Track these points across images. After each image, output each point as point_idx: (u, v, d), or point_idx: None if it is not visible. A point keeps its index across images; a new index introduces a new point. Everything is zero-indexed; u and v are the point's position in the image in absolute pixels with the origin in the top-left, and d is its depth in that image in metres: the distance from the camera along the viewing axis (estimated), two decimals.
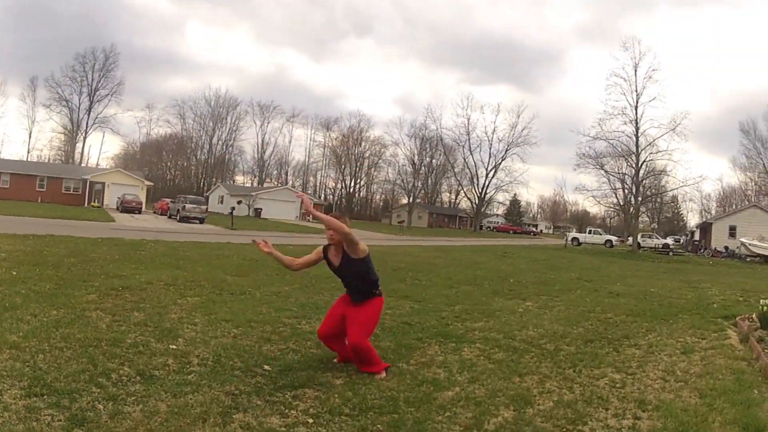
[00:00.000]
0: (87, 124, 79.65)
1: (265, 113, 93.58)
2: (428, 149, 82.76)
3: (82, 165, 73.65)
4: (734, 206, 68.79)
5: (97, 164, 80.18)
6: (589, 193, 45.40)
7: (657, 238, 53.23)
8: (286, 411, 3.83)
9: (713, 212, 77.50)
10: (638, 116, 40.37)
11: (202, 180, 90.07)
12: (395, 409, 3.97)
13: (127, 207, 43.46)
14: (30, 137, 79.28)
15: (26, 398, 3.60)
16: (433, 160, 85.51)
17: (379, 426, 3.68)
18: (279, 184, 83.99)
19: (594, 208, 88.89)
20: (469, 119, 77.82)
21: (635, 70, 40.68)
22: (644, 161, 41.33)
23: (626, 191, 44.99)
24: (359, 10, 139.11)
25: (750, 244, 37.19)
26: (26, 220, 24.20)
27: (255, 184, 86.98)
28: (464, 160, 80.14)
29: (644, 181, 43.20)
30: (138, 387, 3.99)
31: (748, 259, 36.43)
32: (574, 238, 53.47)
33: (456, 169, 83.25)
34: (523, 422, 3.89)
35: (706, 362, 5.85)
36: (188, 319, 6.36)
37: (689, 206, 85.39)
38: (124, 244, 14.98)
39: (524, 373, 5.10)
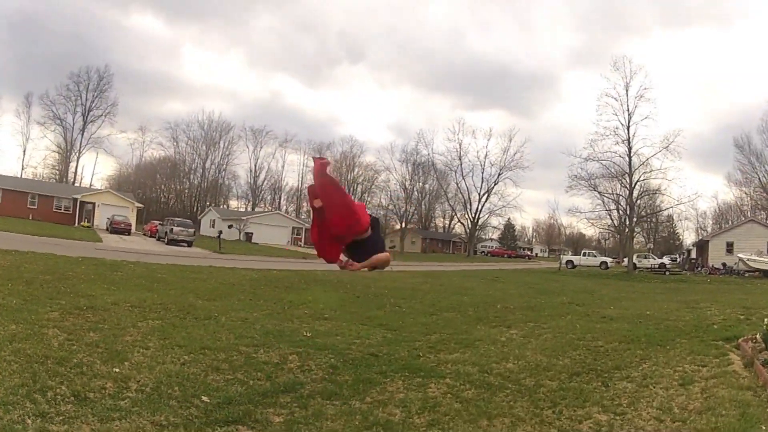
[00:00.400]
0: (80, 143, 78.92)
1: (258, 138, 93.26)
2: (420, 174, 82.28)
3: (76, 184, 72.74)
4: (730, 222, 68.00)
5: (91, 184, 79.30)
6: (583, 215, 44.96)
7: (653, 258, 52.59)
8: None
9: (709, 230, 76.96)
10: (630, 136, 40.00)
11: (196, 203, 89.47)
12: None
13: (117, 228, 43.11)
14: (24, 154, 78.45)
15: None
16: (426, 185, 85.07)
17: None
18: (272, 209, 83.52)
19: (589, 231, 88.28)
20: (461, 144, 77.63)
21: (626, 90, 40.44)
22: (638, 181, 40.87)
23: (621, 212, 44.47)
24: (352, 35, 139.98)
25: (749, 259, 36.56)
26: (13, 236, 24.10)
27: (249, 209, 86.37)
28: (457, 185, 79.81)
29: (639, 202, 42.67)
30: (69, 407, 3.92)
31: (747, 275, 35.75)
32: (568, 261, 52.65)
33: (449, 195, 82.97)
34: None
35: (707, 395, 5.06)
36: (142, 342, 6.14)
37: (685, 225, 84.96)
38: (103, 265, 14.59)
39: (495, 414, 4.37)
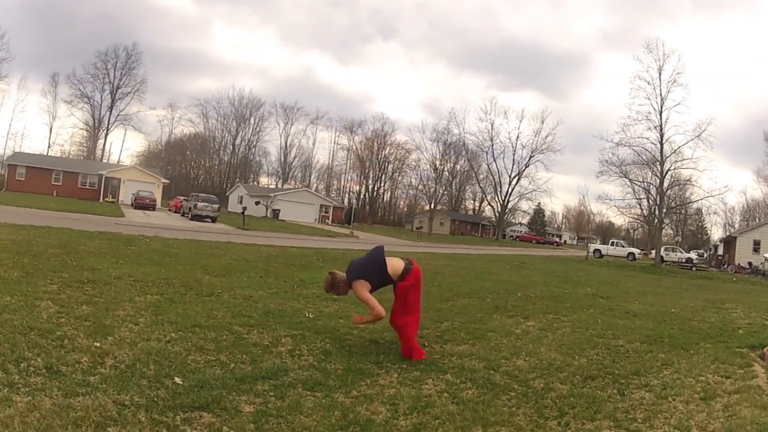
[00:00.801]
0: (109, 120, 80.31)
1: (289, 115, 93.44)
2: (451, 154, 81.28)
3: (104, 161, 73.95)
4: (758, 220, 65.30)
5: (119, 161, 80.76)
6: (612, 203, 43.54)
7: (680, 251, 51.18)
8: None
9: (737, 226, 74.48)
10: (663, 122, 38.24)
11: (225, 180, 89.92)
12: None
13: (141, 204, 43.89)
14: (51, 132, 79.94)
15: None
16: (457, 166, 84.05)
17: None
18: (302, 186, 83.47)
19: (618, 219, 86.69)
20: (492, 124, 76.46)
21: (659, 73, 38.50)
22: (669, 170, 39.39)
23: (650, 202, 43.09)
24: (383, 12, 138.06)
25: None
26: (34, 212, 24.40)
27: (280, 186, 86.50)
28: (488, 166, 78.88)
29: (669, 192, 41.21)
30: (39, 379, 3.86)
31: None
32: (596, 250, 51.58)
33: (479, 176, 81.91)
34: None
35: (728, 413, 4.56)
36: (133, 318, 5.95)
37: (713, 219, 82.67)
38: (117, 239, 14.57)
39: (492, 422, 3.94)
